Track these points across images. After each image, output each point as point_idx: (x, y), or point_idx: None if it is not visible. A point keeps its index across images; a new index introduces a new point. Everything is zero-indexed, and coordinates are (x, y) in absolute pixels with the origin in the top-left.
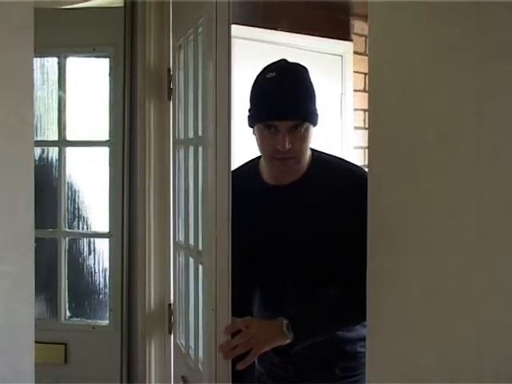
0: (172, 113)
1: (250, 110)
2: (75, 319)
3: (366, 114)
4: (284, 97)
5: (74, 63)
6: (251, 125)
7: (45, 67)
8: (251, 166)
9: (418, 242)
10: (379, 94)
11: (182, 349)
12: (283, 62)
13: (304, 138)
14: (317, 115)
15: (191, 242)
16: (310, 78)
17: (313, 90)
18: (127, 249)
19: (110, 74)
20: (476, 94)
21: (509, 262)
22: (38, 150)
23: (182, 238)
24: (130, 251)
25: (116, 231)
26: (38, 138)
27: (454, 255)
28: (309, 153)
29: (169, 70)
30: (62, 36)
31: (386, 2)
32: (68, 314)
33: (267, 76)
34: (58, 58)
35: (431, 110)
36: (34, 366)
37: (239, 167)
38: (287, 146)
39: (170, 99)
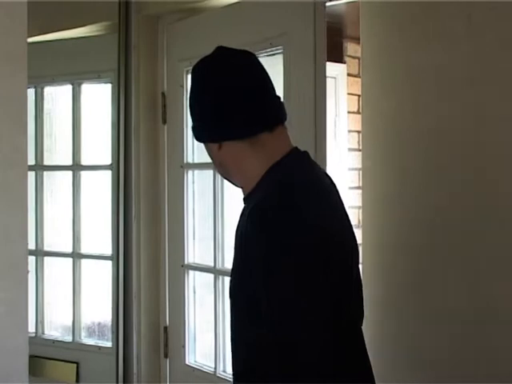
0: (167, 136)
1: None
2: (88, 339)
3: (360, 135)
4: None
5: (85, 90)
6: None
7: (56, 95)
8: None
9: (412, 267)
10: (373, 116)
11: (207, 368)
12: None
13: (210, 155)
14: (196, 129)
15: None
16: (200, 77)
17: (195, 96)
18: (122, 271)
19: (112, 99)
20: (467, 115)
21: None
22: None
23: (195, 259)
24: (125, 274)
25: (115, 254)
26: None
27: (454, 275)
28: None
29: (163, 93)
30: (71, 65)
31: (378, 24)
32: (83, 334)
33: None
34: (72, 85)
35: (425, 132)
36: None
37: None
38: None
39: (164, 123)
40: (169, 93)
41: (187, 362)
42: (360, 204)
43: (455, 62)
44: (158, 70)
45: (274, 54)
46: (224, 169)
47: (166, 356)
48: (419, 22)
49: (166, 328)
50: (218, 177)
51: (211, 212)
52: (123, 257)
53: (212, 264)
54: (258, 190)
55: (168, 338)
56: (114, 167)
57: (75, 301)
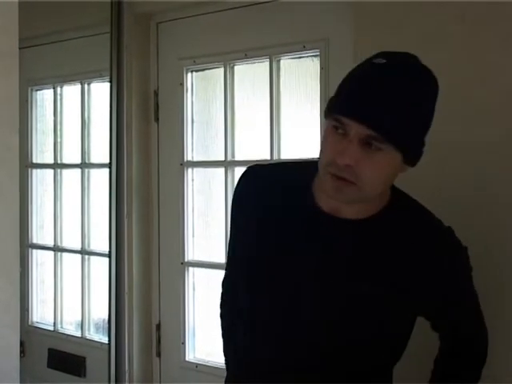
0: (160, 134)
1: (331, 98)
2: (94, 335)
3: None
4: (376, 91)
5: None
6: (325, 116)
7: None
8: (304, 173)
9: None
10: None
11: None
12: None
13: (378, 163)
14: (414, 146)
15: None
16: (425, 90)
17: (421, 109)
18: (115, 269)
19: (111, 98)
20: (463, 118)
21: None
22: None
23: (194, 257)
24: (117, 271)
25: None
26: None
27: None
28: (388, 192)
29: (155, 92)
30: (78, 64)
31: (372, 26)
32: (92, 329)
33: (374, 61)
34: (82, 84)
35: None
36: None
37: (286, 167)
38: (347, 159)
39: (156, 121)
40: (164, 91)
41: (187, 359)
42: None
43: (449, 61)
44: (150, 68)
45: (302, 57)
46: (371, 179)
47: (158, 355)
48: (413, 22)
49: (157, 326)
50: (227, 175)
51: (212, 210)
52: (115, 254)
53: (217, 260)
54: (398, 214)
55: (161, 336)
56: (112, 166)
57: (83, 297)
